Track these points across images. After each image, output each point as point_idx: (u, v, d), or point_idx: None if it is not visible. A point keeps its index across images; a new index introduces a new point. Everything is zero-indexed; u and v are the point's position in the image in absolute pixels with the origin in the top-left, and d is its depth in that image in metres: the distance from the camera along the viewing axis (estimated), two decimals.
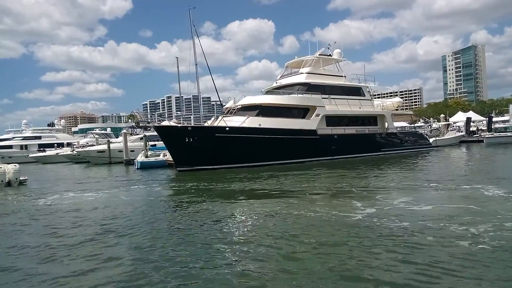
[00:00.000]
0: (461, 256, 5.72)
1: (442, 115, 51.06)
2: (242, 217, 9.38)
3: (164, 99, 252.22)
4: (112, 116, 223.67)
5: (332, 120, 28.76)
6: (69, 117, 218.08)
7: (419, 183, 13.91)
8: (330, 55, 31.72)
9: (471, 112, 56.85)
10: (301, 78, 28.81)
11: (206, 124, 26.92)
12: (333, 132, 28.23)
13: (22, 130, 63.97)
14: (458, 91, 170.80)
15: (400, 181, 14.72)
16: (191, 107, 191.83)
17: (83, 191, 16.01)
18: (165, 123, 24.94)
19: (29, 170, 32.22)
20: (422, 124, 58.35)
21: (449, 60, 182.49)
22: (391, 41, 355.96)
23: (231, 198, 12.48)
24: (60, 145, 58.76)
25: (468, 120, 47.59)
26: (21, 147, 58.61)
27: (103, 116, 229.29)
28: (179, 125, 24.78)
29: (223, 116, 25.65)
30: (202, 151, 23.20)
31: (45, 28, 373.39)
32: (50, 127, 69.31)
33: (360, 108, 30.79)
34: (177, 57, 47.00)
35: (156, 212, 10.70)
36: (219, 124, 24.83)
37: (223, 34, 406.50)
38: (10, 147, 57.91)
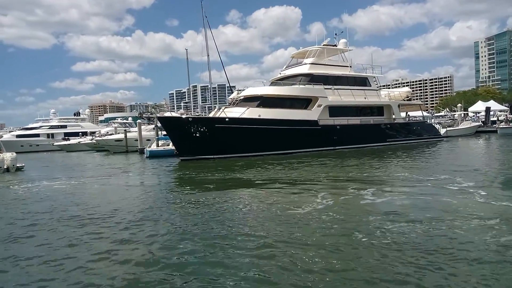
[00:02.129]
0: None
1: (459, 105, 49.67)
2: (236, 204, 9.96)
3: (189, 88, 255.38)
4: (139, 105, 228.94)
5: (335, 110, 28.90)
6: (99, 106, 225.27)
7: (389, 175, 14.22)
8: (335, 45, 31.66)
9: (491, 101, 54.97)
10: (304, 69, 29.04)
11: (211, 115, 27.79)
12: (335, 122, 28.43)
13: (50, 119, 67.02)
14: (491, 78, 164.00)
15: (384, 173, 15.05)
16: (216, 96, 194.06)
17: (69, 178, 17.39)
18: (167, 114, 25.93)
19: (44, 157, 34.50)
20: (446, 113, 56.93)
21: (481, 47, 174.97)
22: (423, 27, 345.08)
23: (225, 187, 13.07)
24: (84, 134, 61.22)
25: (487, 109, 46.19)
26: (48, 135, 61.52)
27: (131, 105, 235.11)
28: (182, 116, 25.74)
29: (225, 107, 26.37)
30: (202, 141, 24.07)
31: (75, 18, 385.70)
32: (75, 117, 72.31)
33: (365, 98, 30.72)
34: (186, 49, 48.04)
35: (134, 200, 11.65)
36: (220, 115, 25.59)
37: (249, 22, 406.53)
38: (37, 135, 60.94)
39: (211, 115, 27.72)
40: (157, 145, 32.73)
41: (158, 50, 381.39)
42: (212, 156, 24.19)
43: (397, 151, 25.03)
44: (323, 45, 30.90)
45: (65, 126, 64.56)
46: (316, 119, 27.31)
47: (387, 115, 32.31)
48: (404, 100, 35.65)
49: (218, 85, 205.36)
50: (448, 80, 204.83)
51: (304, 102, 27.74)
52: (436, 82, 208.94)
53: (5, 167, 20.93)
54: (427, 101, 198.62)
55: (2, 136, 59.43)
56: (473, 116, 50.03)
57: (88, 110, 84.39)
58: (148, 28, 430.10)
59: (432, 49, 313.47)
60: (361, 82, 31.15)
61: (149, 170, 20.97)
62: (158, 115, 24.95)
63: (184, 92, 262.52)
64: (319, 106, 27.61)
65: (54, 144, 54.95)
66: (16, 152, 51.46)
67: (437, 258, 5.33)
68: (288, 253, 5.81)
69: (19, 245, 7.07)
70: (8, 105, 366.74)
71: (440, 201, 9.09)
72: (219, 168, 18.89)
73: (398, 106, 32.99)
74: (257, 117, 24.96)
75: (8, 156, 21.43)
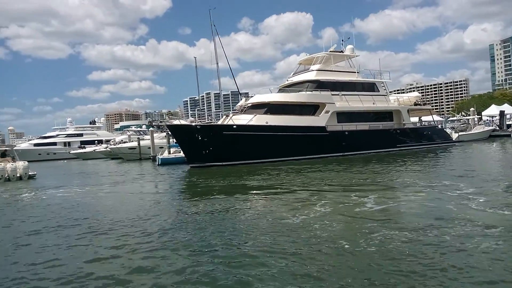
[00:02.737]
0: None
1: (472, 109, 49.07)
2: (242, 209, 10.25)
3: (203, 96, 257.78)
4: (154, 113, 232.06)
5: (343, 116, 29.04)
6: (115, 114, 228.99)
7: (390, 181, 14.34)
8: (341, 51, 31.85)
9: (505, 105, 54.02)
10: (311, 76, 29.30)
11: (219, 122, 28.24)
12: (343, 128, 28.54)
13: (66, 128, 68.70)
14: (508, 81, 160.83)
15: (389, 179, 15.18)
16: (229, 102, 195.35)
17: (76, 186, 18.13)
18: (176, 122, 26.49)
19: (60, 165, 35.35)
20: (461, 117, 56.28)
21: (497, 49, 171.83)
22: (436, 30, 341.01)
23: (230, 193, 13.14)
24: (100, 142, 62.46)
25: (502, 113, 45.49)
26: (64, 144, 63.08)
27: (146, 113, 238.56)
28: (192, 123, 26.29)
29: (233, 114, 26.80)
30: (211, 149, 24.50)
31: (90, 28, 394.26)
32: (91, 125, 73.97)
33: (373, 103, 30.75)
34: (195, 57, 48.83)
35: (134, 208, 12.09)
36: (228, 123, 26.01)
37: (261, 29, 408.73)
38: (54, 144, 62.53)
39: (219, 122, 28.17)
40: (169, 153, 33.37)
41: (172, 58, 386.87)
42: (221, 163, 24.56)
43: (405, 157, 24.96)
44: (330, 51, 31.12)
45: (81, 135, 66.06)
46: (324, 125, 27.48)
47: (396, 120, 32.24)
48: (414, 105, 35.57)
49: (231, 91, 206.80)
50: (464, 83, 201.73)
51: (312, 109, 27.96)
52: (451, 86, 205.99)
53: (18, 175, 22.10)
54: (442, 105, 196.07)
55: (15, 145, 61.10)
56: (487, 120, 49.31)
57: (104, 118, 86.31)
58: (162, 37, 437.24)
59: (446, 52, 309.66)
60: (369, 87, 31.21)
61: (158, 177, 21.50)
62: (167, 123, 25.47)
63: (198, 99, 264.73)
64: (327, 112, 27.78)
65: (71, 152, 56.33)
66: (33, 161, 52.99)
67: (423, 267, 5.36)
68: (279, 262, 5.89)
69: (28, 248, 7.53)
70: (26, 114, 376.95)
71: (436, 208, 9.06)
72: (227, 175, 19.17)
73: (408, 111, 32.88)
74: (264, 124, 25.30)
75: (20, 164, 22.57)
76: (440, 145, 33.41)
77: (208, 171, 21.92)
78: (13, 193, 17.00)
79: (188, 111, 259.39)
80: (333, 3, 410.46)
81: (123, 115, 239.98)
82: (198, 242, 7.14)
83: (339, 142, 28.10)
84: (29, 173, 22.85)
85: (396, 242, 6.44)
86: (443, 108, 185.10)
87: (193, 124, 25.54)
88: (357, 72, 31.60)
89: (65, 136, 64.90)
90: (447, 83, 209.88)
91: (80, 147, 58.41)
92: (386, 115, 31.88)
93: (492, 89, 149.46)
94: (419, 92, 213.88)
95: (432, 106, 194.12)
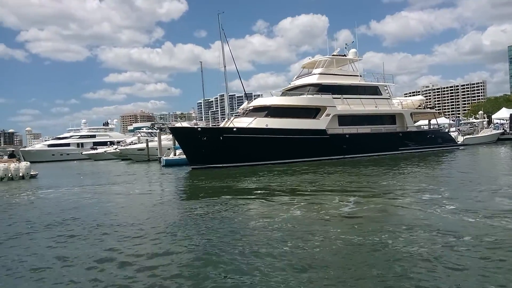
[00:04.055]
0: None
1: (480, 112, 48.43)
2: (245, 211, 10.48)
3: (217, 98, 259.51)
4: (168, 115, 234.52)
5: (345, 119, 29.23)
6: (130, 116, 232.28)
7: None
8: (344, 55, 32.03)
9: None
10: (313, 79, 29.60)
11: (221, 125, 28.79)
12: (344, 131, 28.74)
13: (80, 129, 70.31)
14: None
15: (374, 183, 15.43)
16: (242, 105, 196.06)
17: (74, 186, 18.79)
18: (178, 124, 27.13)
19: (72, 165, 36.37)
20: (473, 120, 55.51)
21: None
22: (454, 32, 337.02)
23: (220, 194, 13.46)
24: (112, 143, 63.77)
25: (511, 116, 44.81)
26: (78, 145, 64.62)
27: (161, 115, 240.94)
28: (195, 126, 26.91)
29: (234, 117, 27.29)
30: (212, 151, 25.03)
31: (107, 32, 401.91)
32: (104, 127, 75.46)
33: (376, 107, 30.84)
34: (201, 62, 49.45)
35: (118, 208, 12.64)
36: (228, 125, 26.52)
37: (275, 31, 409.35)
38: (68, 145, 64.13)
39: (221, 125, 28.70)
40: (175, 154, 34.06)
41: (187, 61, 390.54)
42: (221, 165, 25.07)
43: (403, 160, 25.01)
44: (332, 55, 31.36)
45: (94, 136, 67.53)
46: (324, 128, 27.72)
47: (399, 123, 32.23)
48: (421, 107, 35.49)
49: (245, 93, 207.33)
50: (481, 86, 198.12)
51: (313, 112, 28.25)
52: (468, 88, 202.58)
53: (20, 174, 23.56)
54: (459, 108, 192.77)
55: (21, 147, 62.79)
56: (497, 123, 48.59)
57: (116, 120, 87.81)
58: (177, 40, 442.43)
59: (464, 54, 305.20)
60: (372, 91, 31.28)
61: (159, 178, 22.13)
62: (169, 125, 26.13)
63: (212, 101, 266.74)
64: (327, 115, 28.03)
65: (83, 153, 57.70)
66: (46, 161, 54.39)
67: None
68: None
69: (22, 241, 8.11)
70: (44, 115, 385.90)
71: (397, 214, 9.20)
72: (224, 177, 19.52)
73: (411, 114, 32.83)
74: (264, 126, 25.71)
75: (23, 165, 23.96)
76: (443, 148, 33.21)
77: (208, 173, 22.39)
78: (12, 189, 17.94)
79: (202, 113, 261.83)
80: (349, 5, 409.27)
81: (138, 117, 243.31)
82: (186, 241, 7.53)
83: (340, 145, 28.30)
84: (31, 173, 24.19)
85: (341, 245, 6.74)
86: (459, 110, 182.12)
87: (191, 126, 26.10)
88: (360, 76, 31.74)
89: (79, 137, 66.45)
90: (463, 85, 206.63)
91: (92, 148, 59.75)
92: (389, 118, 31.92)
93: (510, 91, 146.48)
94: (435, 95, 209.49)
95: (448, 108, 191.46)
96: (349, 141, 28.64)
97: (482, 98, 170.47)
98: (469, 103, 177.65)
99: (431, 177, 16.35)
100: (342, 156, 28.14)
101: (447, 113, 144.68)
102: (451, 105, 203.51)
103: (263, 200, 11.97)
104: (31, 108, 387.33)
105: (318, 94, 28.44)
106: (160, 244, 7.35)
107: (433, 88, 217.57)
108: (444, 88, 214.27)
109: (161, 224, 9.11)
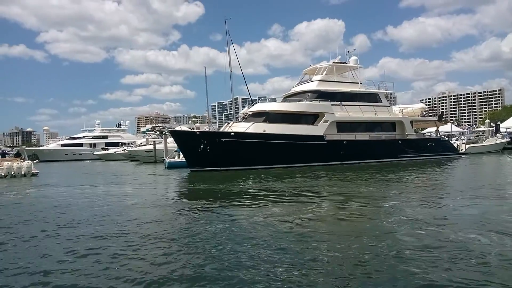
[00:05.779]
0: None
1: (487, 120, 48.08)
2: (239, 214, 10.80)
3: (231, 100, 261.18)
4: (183, 117, 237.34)
5: (343, 126, 29.68)
6: (145, 117, 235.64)
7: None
8: (345, 62, 32.48)
9: None
10: (312, 86, 30.18)
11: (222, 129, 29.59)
12: (342, 138, 29.18)
13: (94, 129, 72.23)
14: None
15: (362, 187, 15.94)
16: None
17: (71, 185, 19.60)
18: (177, 128, 28.03)
19: (83, 165, 37.62)
20: (481, 129, 54.96)
21: None
22: (472, 39, 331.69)
23: (222, 197, 14.09)
24: (123, 144, 65.33)
25: None
26: (90, 145, 66.41)
27: (175, 117, 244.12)
28: (195, 130, 27.77)
29: (233, 122, 28.06)
30: (210, 154, 25.82)
31: (125, 34, 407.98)
32: (117, 128, 77.28)
33: (375, 114, 31.18)
34: (205, 66, 50.64)
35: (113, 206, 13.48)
36: (227, 130, 27.28)
37: (291, 36, 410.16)
38: (80, 145, 65.96)
39: (222, 129, 29.49)
40: (178, 157, 34.97)
41: (203, 63, 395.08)
42: (219, 168, 25.80)
43: (399, 167, 25.25)
44: (333, 62, 31.84)
45: (106, 137, 69.31)
46: (322, 134, 28.22)
47: (399, 131, 32.47)
48: (423, 115, 35.64)
49: (259, 97, 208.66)
50: (499, 93, 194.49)
51: (311, 118, 28.79)
52: (485, 95, 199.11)
53: (22, 172, 25.34)
54: (475, 115, 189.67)
55: (25, 147, 64.70)
56: (505, 132, 48.07)
57: (129, 121, 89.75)
58: (193, 43, 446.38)
59: (482, 61, 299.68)
60: (371, 98, 31.63)
61: (149, 179, 23.04)
62: (169, 129, 27.05)
63: (226, 104, 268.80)
64: (325, 121, 28.53)
65: (94, 153, 59.33)
66: (59, 160, 56.10)
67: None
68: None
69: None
70: (61, 115, 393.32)
71: (360, 221, 9.49)
72: (222, 180, 19.94)
73: (411, 122, 33.03)
74: (261, 132, 26.38)
75: (25, 164, 25.78)
76: (444, 156, 33.23)
77: (206, 176, 23.11)
78: (10, 185, 19.33)
79: (216, 115, 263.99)
80: (366, 10, 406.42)
81: (153, 119, 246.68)
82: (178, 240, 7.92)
83: (337, 151, 28.73)
84: (32, 171, 25.87)
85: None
86: (476, 118, 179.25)
87: (190, 130, 26.96)
88: (360, 83, 32.14)
89: (91, 138, 68.28)
90: (480, 92, 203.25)
91: (103, 149, 61.34)
92: (388, 125, 32.18)
93: None
94: (451, 101, 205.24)
95: (464, 116, 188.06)
96: (346, 147, 29.05)
97: (499, 106, 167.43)
98: (485, 111, 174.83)
99: (416, 182, 16.73)
100: (339, 162, 28.55)
101: (462, 121, 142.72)
102: (467, 113, 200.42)
103: (249, 202, 12.63)
104: (49, 107, 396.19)
105: (317, 100, 28.98)
106: (145, 245, 7.36)
107: (450, 95, 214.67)
108: (460, 95, 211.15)
109: (147, 226, 9.25)
